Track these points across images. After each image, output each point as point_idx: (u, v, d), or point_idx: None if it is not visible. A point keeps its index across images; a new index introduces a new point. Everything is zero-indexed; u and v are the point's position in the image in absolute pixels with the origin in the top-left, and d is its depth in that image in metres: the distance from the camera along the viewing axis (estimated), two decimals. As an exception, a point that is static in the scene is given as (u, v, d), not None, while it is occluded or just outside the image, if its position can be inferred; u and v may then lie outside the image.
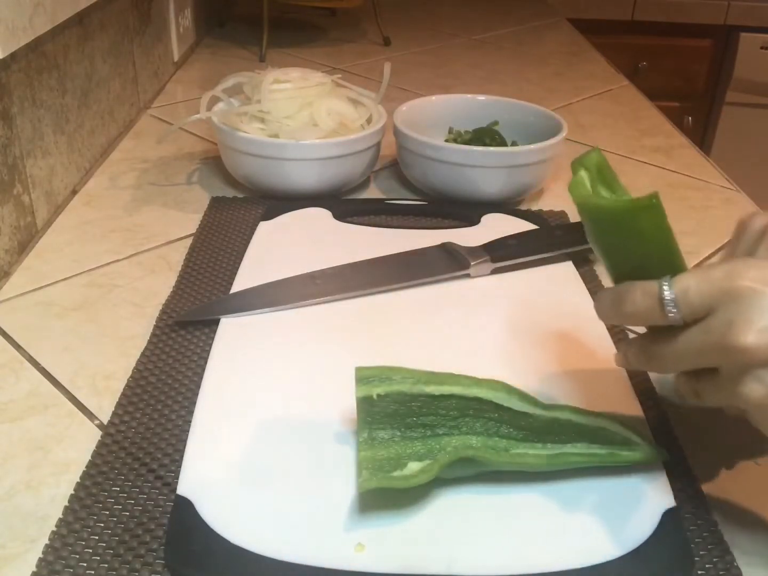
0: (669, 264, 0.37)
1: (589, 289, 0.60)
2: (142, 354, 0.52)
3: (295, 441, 0.44)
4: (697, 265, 0.53)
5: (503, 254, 0.62)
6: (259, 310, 0.56)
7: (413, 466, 0.40)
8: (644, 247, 0.38)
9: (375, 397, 0.41)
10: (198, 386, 0.49)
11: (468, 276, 0.61)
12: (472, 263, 0.61)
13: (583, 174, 0.40)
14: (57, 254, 0.66)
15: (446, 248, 0.63)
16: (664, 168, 0.89)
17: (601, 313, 0.39)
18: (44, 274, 0.63)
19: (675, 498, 0.41)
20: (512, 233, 0.65)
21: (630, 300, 0.36)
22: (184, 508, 0.39)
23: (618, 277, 0.40)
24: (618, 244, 0.39)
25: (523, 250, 0.63)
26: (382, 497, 0.40)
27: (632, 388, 0.49)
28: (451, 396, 0.42)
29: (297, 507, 0.40)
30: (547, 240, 0.65)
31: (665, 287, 0.35)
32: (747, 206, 0.80)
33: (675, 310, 0.35)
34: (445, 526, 0.39)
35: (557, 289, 0.61)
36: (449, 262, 0.61)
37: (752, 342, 0.32)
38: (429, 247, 0.64)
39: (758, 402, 0.33)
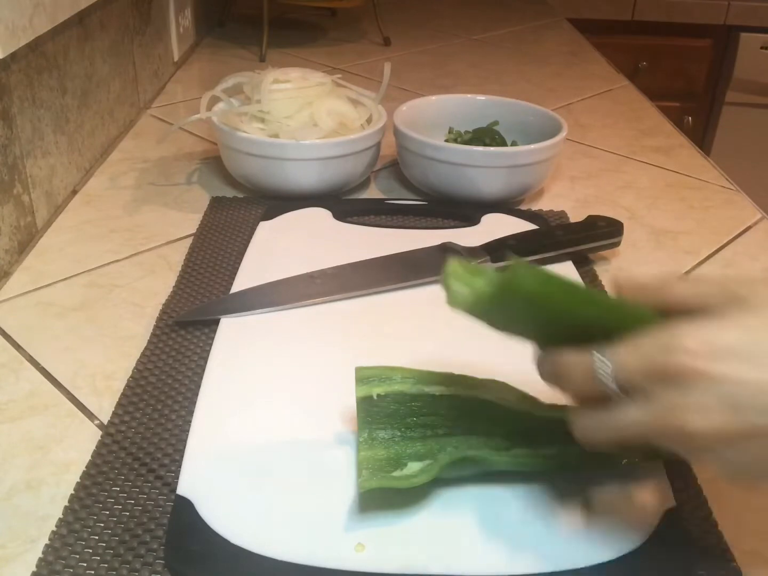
0: (597, 319, 0.35)
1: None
2: (142, 354, 0.52)
3: (295, 441, 0.44)
4: (695, 267, 0.52)
5: (503, 254, 0.62)
6: (259, 310, 0.56)
7: (413, 466, 0.40)
8: (547, 312, 0.35)
9: (375, 397, 0.41)
10: (198, 386, 0.49)
11: None
12: (472, 263, 0.61)
13: (454, 283, 0.37)
14: (57, 254, 0.66)
15: (446, 248, 0.63)
16: (664, 168, 0.89)
17: (543, 377, 0.37)
18: (44, 274, 0.63)
19: (675, 498, 0.41)
20: (512, 233, 0.65)
21: (566, 374, 0.35)
22: (184, 508, 0.39)
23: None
24: (527, 322, 0.37)
25: (523, 250, 0.63)
26: (382, 497, 0.40)
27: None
28: (451, 396, 0.42)
29: (297, 507, 0.40)
30: (548, 240, 0.65)
31: (601, 361, 0.33)
32: (747, 206, 0.80)
33: (613, 385, 0.33)
34: (445, 526, 0.39)
35: None
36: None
37: (699, 427, 0.31)
38: (429, 247, 0.64)
39: (720, 470, 0.32)
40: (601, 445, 0.36)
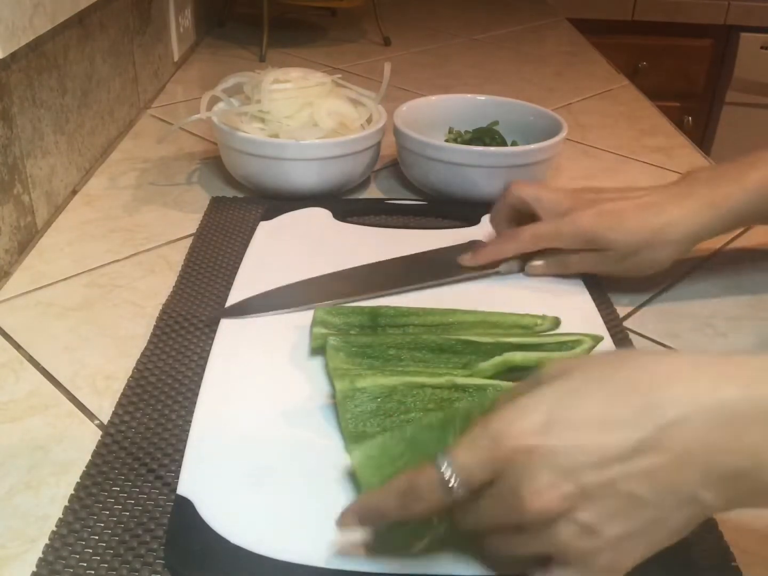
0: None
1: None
2: (142, 354, 0.52)
3: (295, 441, 0.44)
4: (695, 267, 0.54)
5: (533, 252, 0.62)
6: (291, 309, 0.56)
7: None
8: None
9: (355, 392, 0.44)
10: (198, 386, 0.49)
11: (498, 273, 0.62)
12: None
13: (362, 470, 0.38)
14: (57, 254, 0.66)
15: (475, 246, 0.63)
16: (664, 168, 0.89)
17: (382, 517, 0.35)
18: (44, 274, 0.63)
19: (675, 498, 0.41)
20: None
21: (418, 495, 0.34)
22: (184, 508, 0.39)
23: None
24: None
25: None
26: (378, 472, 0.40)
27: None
28: (424, 386, 0.45)
29: (297, 507, 0.40)
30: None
31: (443, 468, 0.33)
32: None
33: (461, 490, 0.33)
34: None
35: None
36: None
37: (542, 502, 0.32)
38: (457, 245, 0.64)
39: (576, 543, 0.33)
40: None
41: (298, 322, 0.55)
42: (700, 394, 0.32)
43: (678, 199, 0.58)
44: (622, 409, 0.33)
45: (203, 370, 0.50)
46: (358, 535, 0.38)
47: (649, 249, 0.57)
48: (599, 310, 0.58)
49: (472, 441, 0.34)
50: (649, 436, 0.32)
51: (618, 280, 0.61)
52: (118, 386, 0.50)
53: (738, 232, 0.71)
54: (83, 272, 0.63)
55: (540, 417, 0.33)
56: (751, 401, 0.32)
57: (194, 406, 0.47)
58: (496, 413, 0.34)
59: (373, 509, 0.36)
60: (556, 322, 0.54)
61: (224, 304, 0.57)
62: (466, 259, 0.61)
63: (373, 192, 0.80)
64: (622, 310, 0.60)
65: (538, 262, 0.61)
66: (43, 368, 0.52)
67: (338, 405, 0.45)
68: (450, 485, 0.33)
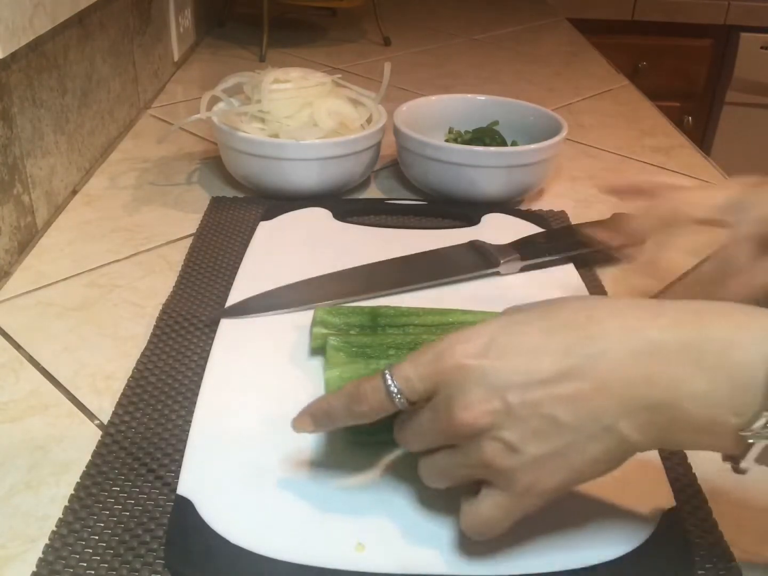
0: None
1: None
2: (142, 354, 0.52)
3: (295, 441, 0.44)
4: (696, 266, 0.53)
5: (532, 252, 0.62)
6: (292, 309, 0.56)
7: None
8: None
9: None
10: (198, 386, 0.49)
11: (498, 274, 0.62)
12: (502, 261, 0.61)
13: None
14: (57, 254, 0.66)
15: (475, 246, 0.63)
16: (664, 168, 0.89)
17: (331, 419, 0.39)
18: (44, 274, 0.63)
19: (675, 498, 0.41)
20: (540, 231, 0.66)
21: (363, 399, 0.37)
22: (184, 508, 0.39)
23: None
24: None
25: (552, 248, 0.63)
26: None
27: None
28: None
29: (297, 507, 0.40)
30: (577, 238, 0.65)
31: (388, 378, 0.36)
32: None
33: (401, 398, 0.36)
34: (445, 526, 0.39)
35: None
36: (479, 260, 0.62)
37: (470, 415, 0.34)
38: (457, 245, 0.64)
39: (499, 460, 0.34)
40: (415, 449, 0.38)
41: (298, 322, 0.55)
42: (627, 329, 0.34)
43: None
44: (556, 339, 0.35)
45: (203, 370, 0.50)
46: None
47: None
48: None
49: (418, 357, 0.37)
50: (575, 364, 0.34)
51: (618, 280, 0.61)
52: (118, 386, 0.50)
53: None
54: (83, 272, 0.63)
55: (482, 340, 0.35)
56: (675, 338, 0.33)
57: (194, 406, 0.47)
58: (446, 336, 0.37)
59: (324, 411, 0.39)
60: None
61: (224, 304, 0.57)
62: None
63: (373, 192, 0.80)
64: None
65: None
66: (43, 368, 0.52)
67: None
68: (393, 394, 0.36)
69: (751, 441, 0.32)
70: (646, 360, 0.33)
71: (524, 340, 0.35)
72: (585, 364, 0.34)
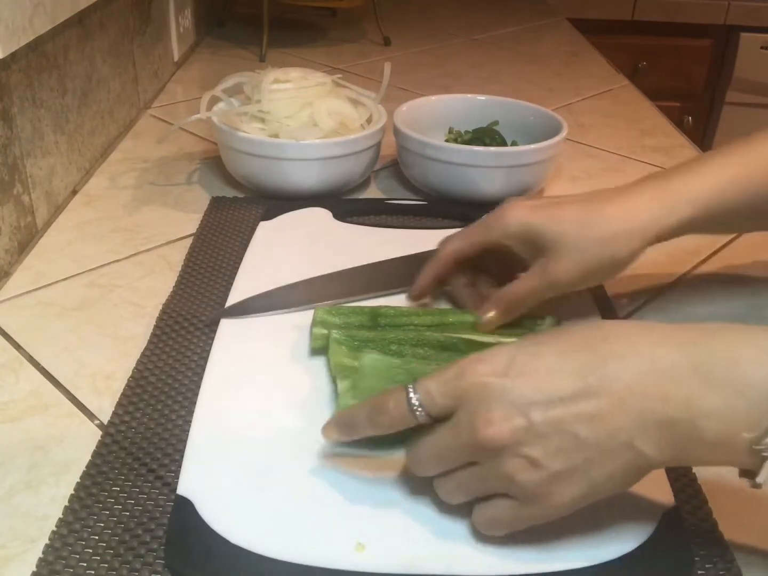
0: None
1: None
2: (142, 354, 0.52)
3: (295, 441, 0.44)
4: (696, 266, 0.52)
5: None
6: (292, 309, 0.56)
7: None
8: None
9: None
10: (198, 386, 0.49)
11: None
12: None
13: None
14: (57, 254, 0.66)
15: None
16: (664, 168, 0.88)
17: (354, 428, 0.41)
18: (44, 274, 0.63)
19: (675, 498, 0.41)
20: None
21: (385, 411, 0.39)
22: (184, 508, 0.39)
23: None
24: None
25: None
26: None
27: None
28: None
29: (297, 507, 0.40)
30: None
31: (411, 392, 0.38)
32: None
33: (422, 412, 0.38)
34: (445, 526, 0.39)
35: None
36: None
37: (493, 431, 0.35)
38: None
39: (522, 476, 0.35)
40: (430, 472, 0.39)
41: (298, 322, 0.55)
42: (638, 349, 0.36)
43: (624, 193, 0.53)
44: (573, 359, 0.36)
45: (203, 370, 0.50)
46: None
47: (595, 244, 0.50)
48: (599, 310, 0.58)
49: (440, 374, 0.38)
50: (592, 383, 0.35)
51: (618, 280, 0.61)
52: (118, 386, 0.50)
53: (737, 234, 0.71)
54: (83, 272, 0.63)
55: (502, 360, 0.37)
56: (685, 357, 0.35)
57: (194, 406, 0.47)
58: (467, 357, 0.38)
59: (348, 420, 0.41)
60: (557, 321, 0.54)
61: (224, 304, 0.57)
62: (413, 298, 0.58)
63: (373, 192, 0.80)
64: (622, 310, 0.60)
65: (489, 314, 0.52)
66: (43, 368, 0.52)
67: (339, 400, 0.45)
68: (414, 407, 0.37)
69: (765, 455, 0.33)
70: (660, 379, 0.35)
71: (543, 361, 0.37)
72: (602, 384, 0.35)
